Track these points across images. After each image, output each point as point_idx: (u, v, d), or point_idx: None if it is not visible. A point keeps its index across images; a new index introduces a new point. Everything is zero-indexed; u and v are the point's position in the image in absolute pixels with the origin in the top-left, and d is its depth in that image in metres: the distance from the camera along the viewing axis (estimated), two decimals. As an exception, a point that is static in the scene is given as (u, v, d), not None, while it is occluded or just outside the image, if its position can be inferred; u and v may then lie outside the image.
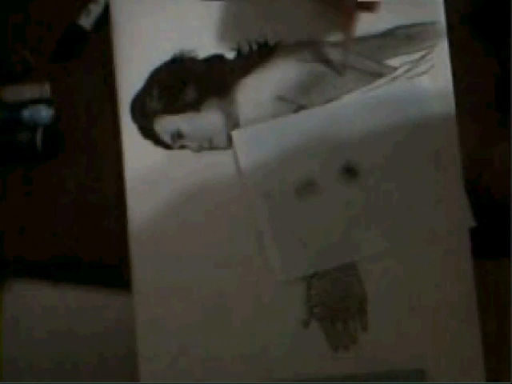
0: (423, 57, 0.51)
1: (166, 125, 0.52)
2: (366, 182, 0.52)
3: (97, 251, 0.69)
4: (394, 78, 0.51)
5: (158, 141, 0.52)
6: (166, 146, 0.52)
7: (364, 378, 0.52)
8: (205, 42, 0.52)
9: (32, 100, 0.74)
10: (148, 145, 0.52)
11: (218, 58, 0.52)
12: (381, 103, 0.52)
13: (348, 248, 0.52)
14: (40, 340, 0.74)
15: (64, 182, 0.71)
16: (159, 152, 0.52)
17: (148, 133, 0.52)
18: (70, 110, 0.74)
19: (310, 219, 0.52)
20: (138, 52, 0.53)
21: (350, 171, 0.52)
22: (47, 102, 0.74)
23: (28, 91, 0.74)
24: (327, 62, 0.51)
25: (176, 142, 0.52)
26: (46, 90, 0.74)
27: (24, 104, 0.74)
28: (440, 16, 0.51)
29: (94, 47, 0.74)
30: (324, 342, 0.52)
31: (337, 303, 0.52)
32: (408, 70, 0.51)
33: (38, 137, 0.72)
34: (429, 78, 0.51)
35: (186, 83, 0.52)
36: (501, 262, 0.59)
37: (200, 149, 0.52)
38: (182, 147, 0.52)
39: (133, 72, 0.53)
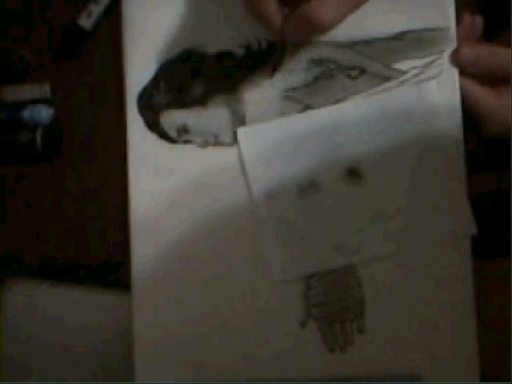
0: (432, 62, 0.51)
1: (172, 119, 0.52)
2: (369, 185, 0.51)
3: (97, 251, 0.68)
4: (402, 82, 0.51)
5: (163, 135, 0.52)
6: (171, 141, 0.52)
7: (359, 380, 0.51)
8: (214, 38, 0.52)
9: (32, 100, 0.74)
10: (153, 138, 0.52)
11: (227, 54, 0.52)
12: (387, 106, 0.51)
13: (349, 250, 0.51)
14: (40, 340, 0.74)
15: (64, 181, 0.71)
16: (164, 146, 0.52)
17: (154, 126, 0.52)
18: (69, 109, 0.74)
19: (311, 220, 0.51)
20: (147, 45, 0.52)
21: (354, 173, 0.51)
22: (47, 102, 0.74)
23: (28, 91, 0.74)
24: (336, 62, 0.51)
25: (181, 136, 0.52)
26: (45, 90, 0.74)
27: (24, 104, 0.74)
28: (451, 22, 0.51)
29: (94, 47, 0.74)
30: (321, 343, 0.51)
31: (335, 304, 0.51)
32: (416, 75, 0.51)
33: (38, 137, 0.72)
34: (437, 83, 0.51)
35: (194, 78, 0.52)
36: (501, 261, 0.58)
37: (205, 144, 0.52)
38: (187, 142, 0.52)
39: (141, 65, 0.52)
